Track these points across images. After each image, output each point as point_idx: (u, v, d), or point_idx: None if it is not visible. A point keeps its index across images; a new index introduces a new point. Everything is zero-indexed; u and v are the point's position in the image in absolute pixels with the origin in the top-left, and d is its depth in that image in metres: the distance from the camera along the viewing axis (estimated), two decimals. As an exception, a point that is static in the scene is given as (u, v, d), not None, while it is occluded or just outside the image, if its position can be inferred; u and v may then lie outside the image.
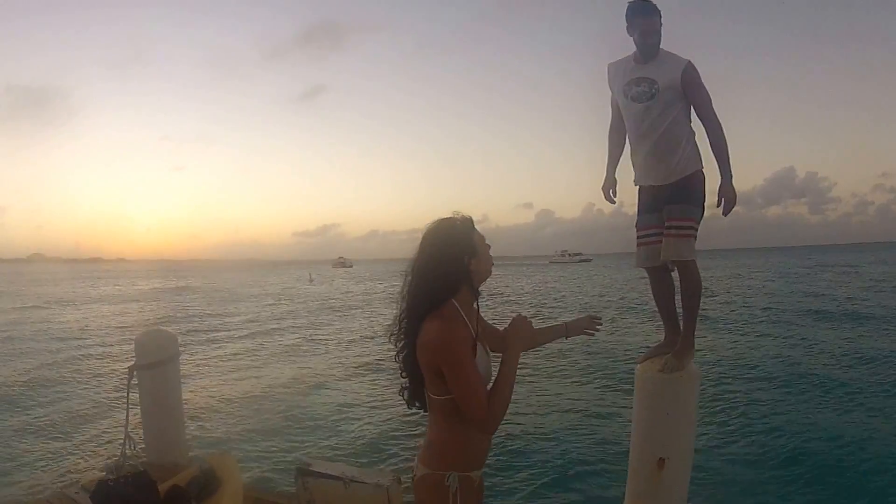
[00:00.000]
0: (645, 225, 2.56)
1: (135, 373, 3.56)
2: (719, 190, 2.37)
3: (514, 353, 1.65)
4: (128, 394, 3.45)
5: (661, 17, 2.34)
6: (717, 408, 7.37)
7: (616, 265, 73.32)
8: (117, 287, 50.90)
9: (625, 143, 2.59)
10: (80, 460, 6.28)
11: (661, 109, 2.36)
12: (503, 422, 1.58)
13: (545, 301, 26.71)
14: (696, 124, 2.45)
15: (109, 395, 9.02)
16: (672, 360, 2.38)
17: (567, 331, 1.97)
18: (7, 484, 5.52)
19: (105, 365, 12.03)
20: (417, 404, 1.74)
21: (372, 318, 20.74)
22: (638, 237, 2.59)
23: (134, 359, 3.67)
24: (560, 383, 9.15)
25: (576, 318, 2.02)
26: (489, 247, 1.72)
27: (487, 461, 1.74)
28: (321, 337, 16.39)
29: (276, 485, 4.94)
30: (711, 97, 2.38)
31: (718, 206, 2.39)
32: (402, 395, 1.76)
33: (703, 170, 2.48)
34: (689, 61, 2.35)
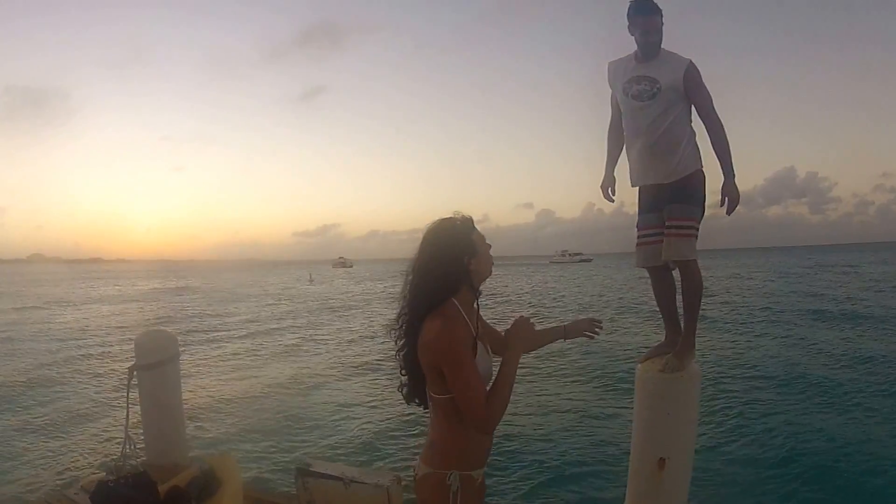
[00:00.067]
0: (645, 225, 2.56)
1: (135, 373, 3.56)
2: (722, 189, 2.37)
3: (515, 353, 1.65)
4: (127, 394, 3.45)
5: (662, 15, 2.34)
6: (718, 408, 7.38)
7: (616, 265, 73.33)
8: (117, 287, 50.91)
9: (624, 142, 2.58)
10: (79, 456, 6.30)
11: (662, 109, 2.36)
12: (504, 422, 1.58)
13: (544, 301, 26.72)
14: (696, 124, 2.45)
15: (109, 395, 9.02)
16: (673, 359, 2.38)
17: (566, 333, 1.95)
18: (7, 484, 5.51)
19: (105, 365, 12.04)
20: (416, 401, 1.75)
21: (372, 318, 20.73)
22: (638, 237, 2.59)
23: (134, 359, 3.66)
24: (560, 383, 9.16)
25: (575, 319, 2.01)
26: (489, 246, 1.72)
27: (488, 461, 1.74)
28: (321, 337, 16.39)
29: (276, 485, 4.94)
30: (712, 97, 2.39)
31: (722, 205, 2.38)
32: (401, 392, 1.76)
33: (704, 169, 2.48)
34: (691, 61, 2.35)
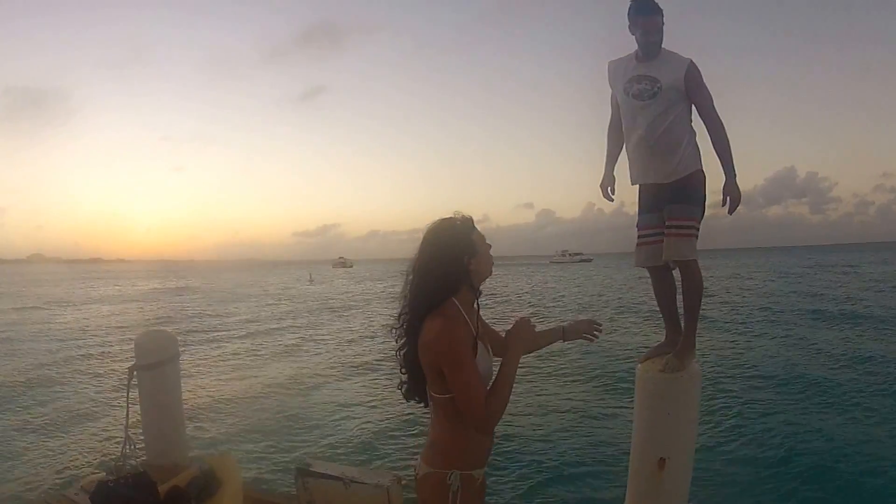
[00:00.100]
0: (645, 225, 2.55)
1: (135, 373, 3.56)
2: (724, 189, 2.37)
3: (515, 354, 1.66)
4: (127, 394, 3.45)
5: (663, 15, 2.34)
6: (718, 408, 7.37)
7: (616, 265, 73.33)
8: (117, 287, 50.90)
9: (623, 141, 2.58)
10: (79, 456, 6.30)
11: (662, 108, 2.36)
12: (504, 422, 1.58)
13: (544, 301, 26.71)
14: (696, 124, 2.45)
15: (108, 395, 9.02)
16: (673, 359, 2.38)
17: (564, 334, 1.95)
18: (6, 483, 5.52)
19: (104, 365, 12.03)
20: (416, 399, 1.75)
21: (371, 318, 20.74)
22: (638, 237, 2.58)
23: (134, 359, 3.66)
24: (560, 383, 9.16)
25: (575, 321, 2.01)
26: (490, 246, 1.72)
27: (489, 461, 1.74)
28: (321, 337, 16.39)
29: (277, 485, 4.94)
30: (712, 97, 2.39)
31: (724, 205, 2.38)
32: (401, 389, 1.77)
33: (704, 169, 2.48)
34: (692, 61, 2.35)
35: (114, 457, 4.38)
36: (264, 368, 11.50)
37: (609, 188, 2.69)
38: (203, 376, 10.69)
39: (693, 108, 2.41)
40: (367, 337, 15.78)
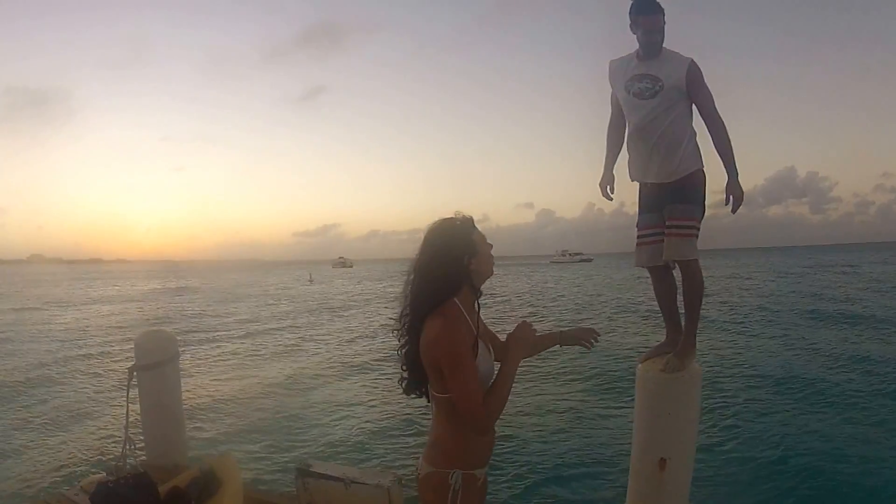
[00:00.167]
0: (645, 224, 2.55)
1: (135, 373, 3.55)
2: (726, 188, 2.37)
3: (515, 357, 1.67)
4: (127, 394, 3.45)
5: (664, 14, 2.34)
6: (719, 408, 7.37)
7: (617, 265, 73.32)
8: (116, 288, 50.89)
9: (623, 140, 2.58)
10: (78, 456, 6.28)
11: (663, 107, 2.36)
12: (505, 422, 1.59)
13: (542, 301, 26.69)
14: (697, 125, 2.45)
15: (108, 395, 9.02)
16: (674, 359, 2.38)
17: (561, 339, 1.95)
18: (6, 484, 5.51)
19: (104, 365, 12.03)
20: (416, 393, 1.76)
21: (371, 318, 20.74)
22: (638, 237, 2.59)
23: (134, 360, 3.66)
24: (560, 383, 9.15)
25: (573, 328, 2.01)
26: (491, 246, 1.72)
27: (490, 460, 1.74)
28: (320, 337, 16.38)
29: (277, 485, 4.93)
30: (713, 96, 2.39)
31: (727, 204, 2.39)
32: (401, 385, 1.77)
33: (704, 169, 2.48)
34: (693, 60, 2.35)
35: (114, 457, 4.39)
36: (264, 368, 11.50)
37: (608, 187, 2.68)
38: (203, 376, 10.68)
39: (693, 108, 2.41)
40: (366, 337, 15.78)
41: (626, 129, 2.54)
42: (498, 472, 5.33)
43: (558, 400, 8.18)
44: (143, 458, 3.69)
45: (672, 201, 2.41)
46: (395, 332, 1.73)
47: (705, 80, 2.36)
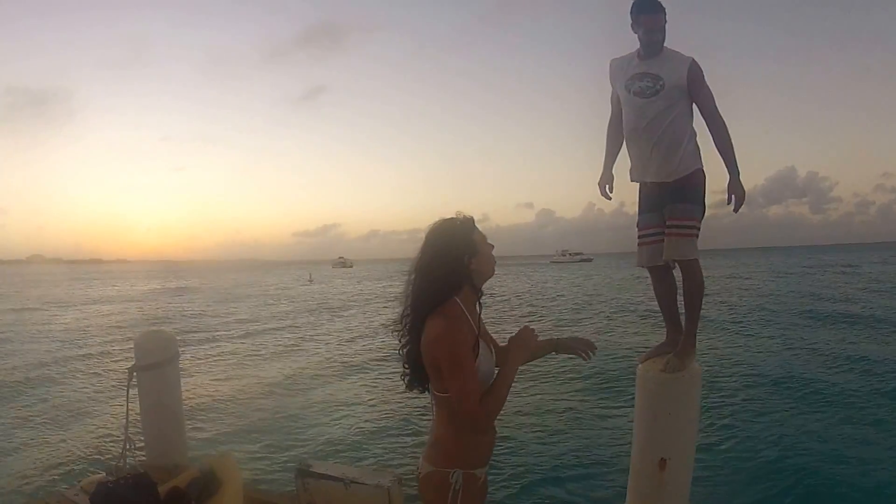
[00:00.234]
0: (646, 224, 2.55)
1: (134, 374, 3.55)
2: (728, 187, 2.37)
3: (516, 360, 1.68)
4: (127, 395, 3.45)
5: (665, 13, 2.34)
6: (719, 408, 7.38)
7: (616, 265, 73.31)
8: (116, 288, 50.88)
9: (623, 140, 2.58)
10: (78, 457, 6.28)
11: (664, 106, 2.36)
12: (505, 422, 1.59)
13: (542, 300, 26.66)
14: (697, 125, 2.45)
15: (107, 396, 9.01)
16: (674, 359, 2.38)
17: (557, 346, 1.95)
18: (5, 484, 5.51)
19: (103, 365, 12.03)
20: (418, 389, 1.76)
21: (371, 318, 20.74)
22: (639, 237, 2.58)
23: (133, 360, 3.66)
24: (560, 382, 9.15)
25: (570, 337, 2.00)
26: (492, 246, 1.73)
27: (490, 460, 1.75)
28: (320, 336, 16.38)
29: (277, 486, 4.93)
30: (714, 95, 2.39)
31: (728, 203, 2.39)
32: (403, 380, 1.77)
33: (704, 169, 2.47)
34: (694, 59, 2.35)
35: (113, 457, 4.38)
36: (264, 368, 11.50)
37: (607, 186, 2.68)
38: (203, 376, 10.68)
39: (694, 108, 2.41)
40: (365, 336, 15.78)
41: (625, 129, 2.54)
42: (498, 471, 5.33)
43: (558, 400, 8.18)
44: (143, 458, 3.69)
45: (672, 201, 2.41)
46: (397, 331, 1.73)
47: (706, 80, 2.36)
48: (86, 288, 51.09)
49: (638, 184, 2.57)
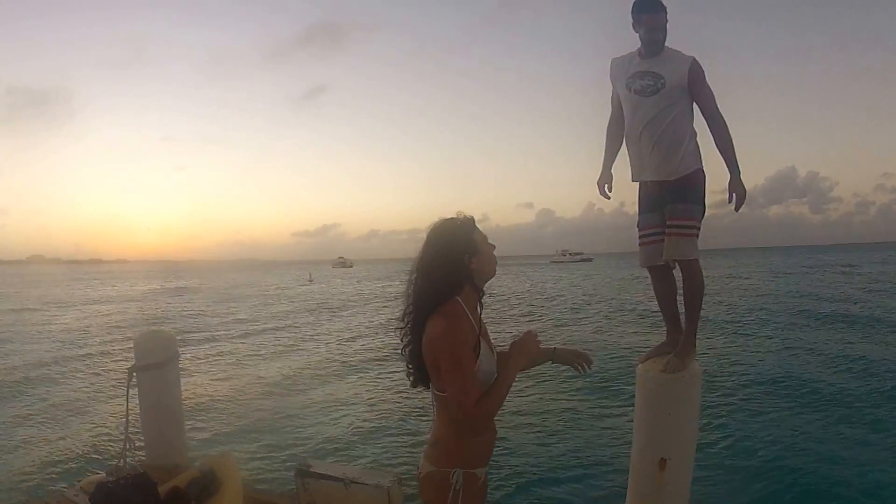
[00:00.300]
0: (646, 224, 2.55)
1: (134, 374, 3.55)
2: (729, 186, 2.37)
3: (517, 364, 1.68)
4: (127, 395, 3.45)
5: (666, 13, 2.34)
6: (719, 408, 7.37)
7: (616, 265, 73.33)
8: (116, 288, 50.86)
9: (623, 139, 2.57)
10: (78, 457, 6.28)
11: (665, 104, 2.36)
12: (505, 422, 1.59)
13: (541, 300, 26.64)
14: (697, 124, 2.44)
15: (107, 396, 9.01)
16: (674, 359, 2.37)
17: (554, 355, 1.93)
18: (5, 483, 5.51)
19: (103, 365, 12.02)
20: (423, 386, 1.76)
21: (370, 318, 20.74)
22: (640, 237, 2.58)
23: (133, 360, 3.66)
24: (559, 382, 9.14)
25: (568, 347, 1.99)
26: (493, 247, 1.73)
27: (490, 460, 1.75)
28: (319, 336, 16.39)
29: (277, 486, 4.93)
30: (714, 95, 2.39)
31: (730, 202, 2.38)
32: (408, 378, 1.77)
33: (704, 168, 2.47)
34: (695, 58, 2.35)
35: (113, 457, 4.38)
36: (264, 368, 11.50)
37: (606, 186, 2.67)
38: (202, 376, 10.68)
39: (694, 107, 2.41)
40: (365, 336, 15.79)
41: (625, 128, 2.53)
42: (498, 471, 5.33)
43: (558, 400, 8.17)
44: (143, 458, 3.69)
45: (672, 201, 2.41)
46: (399, 330, 1.74)
47: (707, 80, 2.36)
48: (86, 288, 51.07)
49: (638, 184, 2.56)
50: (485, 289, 1.74)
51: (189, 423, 5.49)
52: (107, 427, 7.27)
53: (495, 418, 1.71)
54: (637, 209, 2.60)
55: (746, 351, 11.64)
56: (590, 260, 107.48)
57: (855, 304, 19.11)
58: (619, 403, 7.65)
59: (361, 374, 10.59)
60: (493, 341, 1.83)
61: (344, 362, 11.92)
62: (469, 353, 1.58)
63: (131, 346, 3.84)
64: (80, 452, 6.46)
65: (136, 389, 3.62)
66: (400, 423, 7.12)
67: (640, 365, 2.50)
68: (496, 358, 1.74)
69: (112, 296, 39.58)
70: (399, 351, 1.75)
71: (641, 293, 22.47)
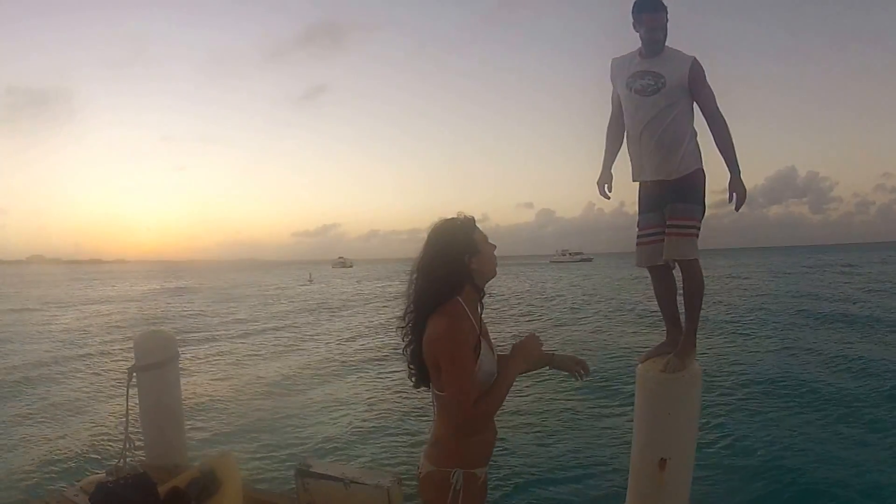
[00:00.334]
0: (646, 224, 2.55)
1: (134, 374, 3.55)
2: (729, 185, 2.37)
3: (517, 366, 1.68)
4: (127, 395, 3.44)
5: (667, 12, 2.34)
6: (719, 408, 7.37)
7: (616, 264, 73.34)
8: (115, 288, 50.85)
9: (623, 139, 2.57)
10: (78, 457, 6.28)
11: (665, 104, 2.36)
12: (505, 422, 1.59)
13: (539, 300, 26.63)
14: (697, 124, 2.44)
15: (107, 395, 9.01)
16: (674, 359, 2.37)
17: (552, 360, 1.94)
18: (4, 483, 5.51)
19: (103, 365, 12.02)
20: (426, 387, 1.76)
21: (370, 317, 20.74)
22: (638, 236, 2.58)
23: (133, 360, 3.66)
24: (559, 381, 9.14)
25: (566, 354, 1.99)
26: (494, 247, 1.73)
27: (490, 459, 1.74)
28: (319, 336, 16.39)
29: (277, 486, 4.93)
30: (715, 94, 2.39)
31: (730, 201, 2.38)
32: (411, 380, 1.77)
33: (704, 168, 2.47)
34: (695, 58, 2.35)
35: (113, 457, 4.38)
36: (263, 368, 11.50)
37: (606, 186, 2.67)
38: (202, 376, 10.68)
39: (695, 107, 2.41)
40: (364, 336, 15.79)
41: (625, 128, 2.53)
42: (498, 471, 5.33)
43: (557, 400, 8.17)
44: (143, 458, 3.69)
45: (673, 200, 2.41)
46: (400, 330, 1.74)
47: (707, 79, 2.36)
48: (85, 288, 51.07)
49: (638, 184, 2.56)
50: (485, 289, 1.74)
51: (189, 423, 5.49)
52: (106, 427, 7.27)
53: (495, 418, 1.71)
54: (637, 209, 2.60)
55: (746, 351, 11.63)
56: (589, 260, 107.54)
57: (855, 304, 19.10)
58: (618, 403, 7.65)
59: (361, 374, 10.59)
60: (493, 341, 1.84)
61: (343, 362, 11.91)
62: (469, 353, 1.58)
63: (131, 346, 3.84)
64: (80, 452, 6.45)
65: (136, 389, 3.61)
66: (399, 422, 7.12)
67: (640, 365, 2.50)
68: (497, 358, 1.74)
69: (112, 296, 39.58)
70: (400, 351, 1.75)
71: (641, 293, 22.47)
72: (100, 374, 11.10)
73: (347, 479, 2.93)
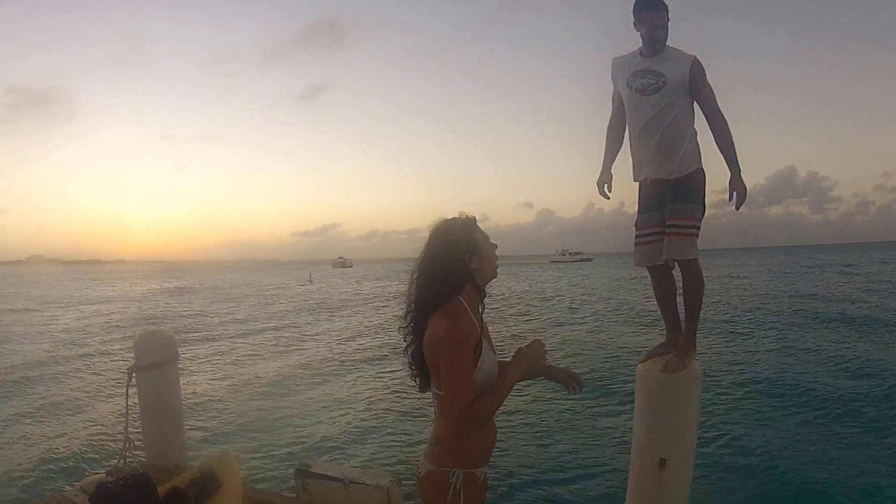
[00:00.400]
0: (645, 224, 2.54)
1: (134, 374, 3.55)
2: (730, 184, 2.36)
3: (518, 371, 1.68)
4: (126, 395, 3.44)
5: (668, 11, 2.34)
6: (718, 408, 7.37)
7: (616, 264, 73.36)
8: (115, 288, 50.84)
9: (623, 139, 2.57)
10: (77, 457, 6.28)
11: (666, 103, 2.36)
12: (505, 421, 1.59)
13: (539, 299, 26.62)
14: (697, 123, 2.44)
15: (107, 395, 9.01)
16: (674, 359, 2.37)
17: (547, 372, 1.92)
18: (4, 484, 5.50)
19: (102, 365, 12.02)
20: (429, 390, 1.75)
21: (370, 317, 20.74)
22: (637, 236, 2.57)
23: (133, 360, 3.65)
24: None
25: (561, 367, 1.97)
26: (495, 247, 1.73)
27: (490, 459, 1.74)
28: (319, 335, 16.39)
29: (276, 486, 4.93)
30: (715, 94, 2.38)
31: (730, 200, 2.38)
32: (416, 382, 1.77)
33: (703, 168, 2.47)
34: (696, 57, 2.35)
35: (113, 456, 4.38)
36: (263, 368, 11.49)
37: (606, 186, 2.66)
38: (202, 376, 10.68)
39: (695, 107, 2.40)
40: (364, 335, 15.79)
41: (626, 127, 2.53)
42: (498, 470, 5.33)
43: (557, 399, 8.17)
44: (143, 458, 3.69)
45: (673, 200, 2.40)
46: (401, 330, 1.74)
47: (707, 79, 2.36)
48: (85, 288, 51.06)
49: (638, 183, 2.56)
50: (486, 289, 1.74)
51: (189, 422, 5.49)
52: (106, 427, 7.27)
53: (495, 418, 1.71)
54: (637, 209, 2.60)
55: (746, 351, 11.63)
56: (589, 260, 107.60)
57: (854, 304, 19.10)
58: (618, 403, 7.65)
59: (360, 374, 10.59)
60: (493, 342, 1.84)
61: (343, 362, 11.91)
62: (469, 353, 1.58)
63: (131, 346, 3.84)
64: (80, 452, 6.45)
65: (136, 389, 3.61)
66: (399, 422, 7.12)
67: (639, 365, 2.50)
68: (497, 359, 1.74)
69: (112, 296, 39.57)
70: (399, 351, 1.76)
71: (640, 293, 22.47)
72: (99, 374, 11.10)
73: (347, 479, 2.93)
